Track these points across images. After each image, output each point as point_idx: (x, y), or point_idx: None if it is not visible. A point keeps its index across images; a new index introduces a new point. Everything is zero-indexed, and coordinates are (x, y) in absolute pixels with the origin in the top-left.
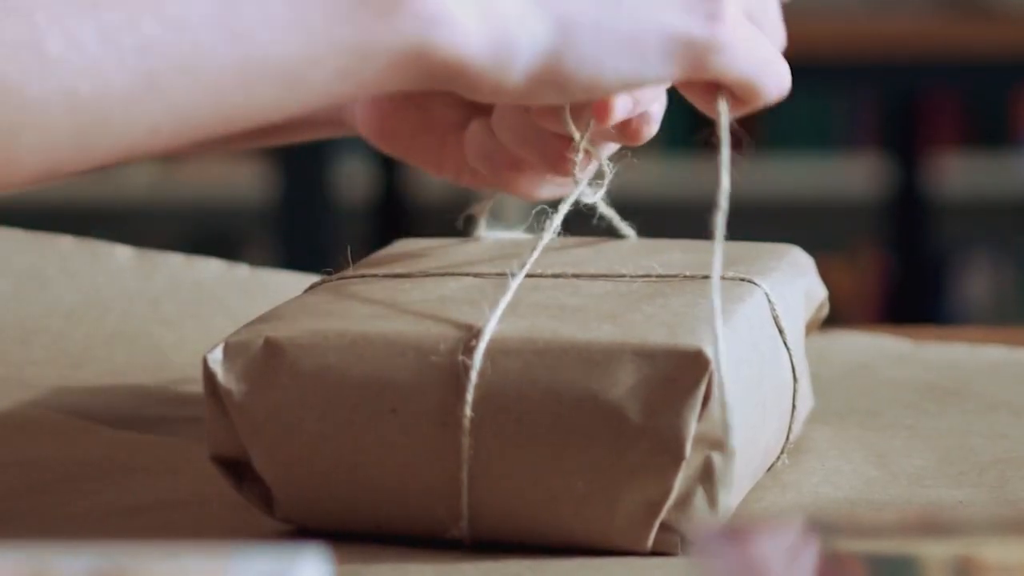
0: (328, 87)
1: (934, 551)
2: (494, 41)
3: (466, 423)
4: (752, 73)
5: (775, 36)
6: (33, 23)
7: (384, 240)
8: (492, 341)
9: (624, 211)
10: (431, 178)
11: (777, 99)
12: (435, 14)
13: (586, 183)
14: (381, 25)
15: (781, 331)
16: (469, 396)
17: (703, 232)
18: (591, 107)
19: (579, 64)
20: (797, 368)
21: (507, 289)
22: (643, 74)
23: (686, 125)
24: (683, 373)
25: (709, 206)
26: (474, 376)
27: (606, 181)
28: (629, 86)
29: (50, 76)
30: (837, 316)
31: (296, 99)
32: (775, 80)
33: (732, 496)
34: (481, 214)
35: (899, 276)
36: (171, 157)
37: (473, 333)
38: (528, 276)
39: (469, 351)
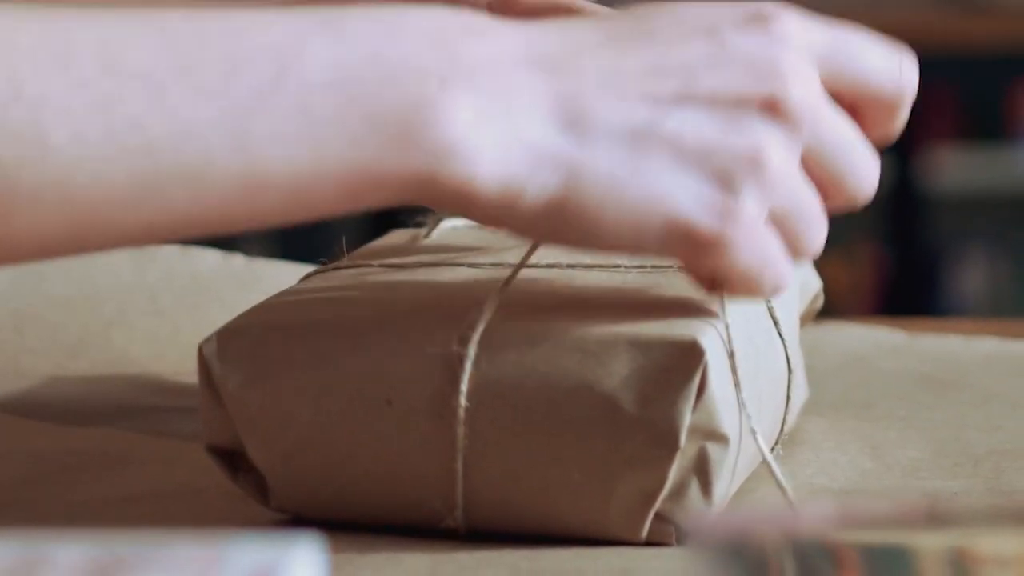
0: (333, 204)
1: (929, 542)
2: (505, 177)
3: (461, 413)
4: (750, 273)
5: (809, 237)
6: (40, 111)
7: (379, 231)
8: (487, 331)
9: None
10: None
11: (772, 296)
12: (450, 146)
13: None
14: (394, 153)
15: (776, 322)
16: (464, 386)
17: None
18: None
19: (579, 216)
20: (792, 359)
21: (502, 280)
22: (640, 245)
23: None
24: (678, 363)
25: None
26: (469, 366)
27: None
28: (625, 250)
29: (48, 166)
30: (833, 310)
31: (298, 213)
32: (772, 282)
33: (726, 486)
34: None
35: (895, 270)
36: None
37: (468, 323)
38: (523, 266)
39: (464, 341)
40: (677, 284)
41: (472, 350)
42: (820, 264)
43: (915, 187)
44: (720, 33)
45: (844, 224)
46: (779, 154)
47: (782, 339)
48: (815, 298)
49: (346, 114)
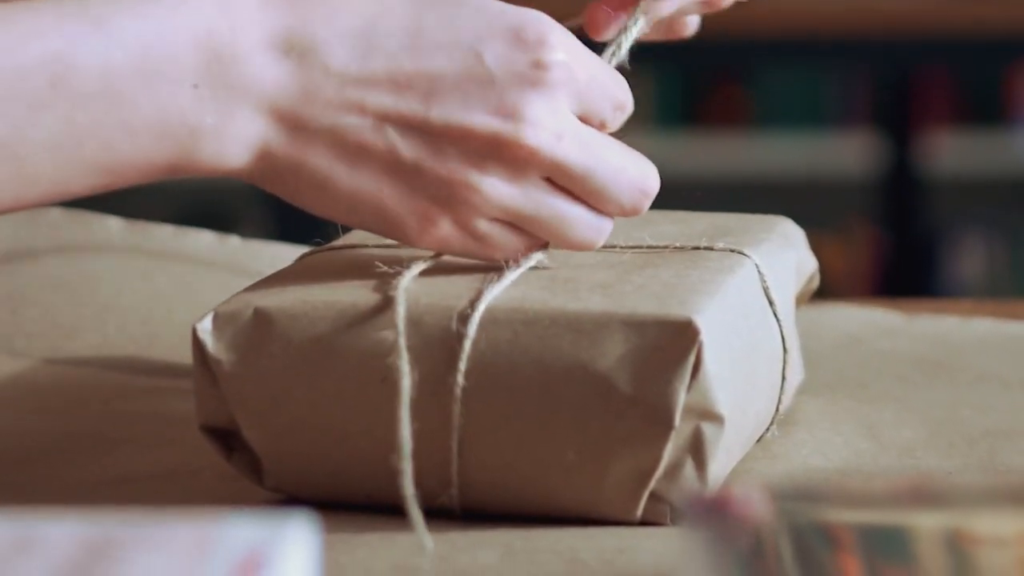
0: (92, 190)
1: (926, 522)
2: (244, 158)
3: (457, 392)
4: (475, 256)
5: (561, 236)
6: None
7: None
8: (482, 311)
9: None
10: None
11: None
12: (201, 137)
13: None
14: (150, 150)
15: (771, 302)
16: (462, 365)
17: (693, 205)
18: None
19: (307, 197)
20: (787, 339)
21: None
22: (366, 227)
23: (678, 100)
24: (672, 343)
25: (699, 180)
26: (467, 345)
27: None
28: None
29: None
30: (830, 294)
31: (57, 200)
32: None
33: (721, 466)
34: None
35: (892, 254)
36: None
37: (468, 302)
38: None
39: (464, 319)
40: (672, 264)
41: (472, 328)
42: (817, 245)
43: (912, 170)
44: (481, 60)
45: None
46: (488, 187)
47: (777, 319)
48: (811, 279)
49: (107, 122)
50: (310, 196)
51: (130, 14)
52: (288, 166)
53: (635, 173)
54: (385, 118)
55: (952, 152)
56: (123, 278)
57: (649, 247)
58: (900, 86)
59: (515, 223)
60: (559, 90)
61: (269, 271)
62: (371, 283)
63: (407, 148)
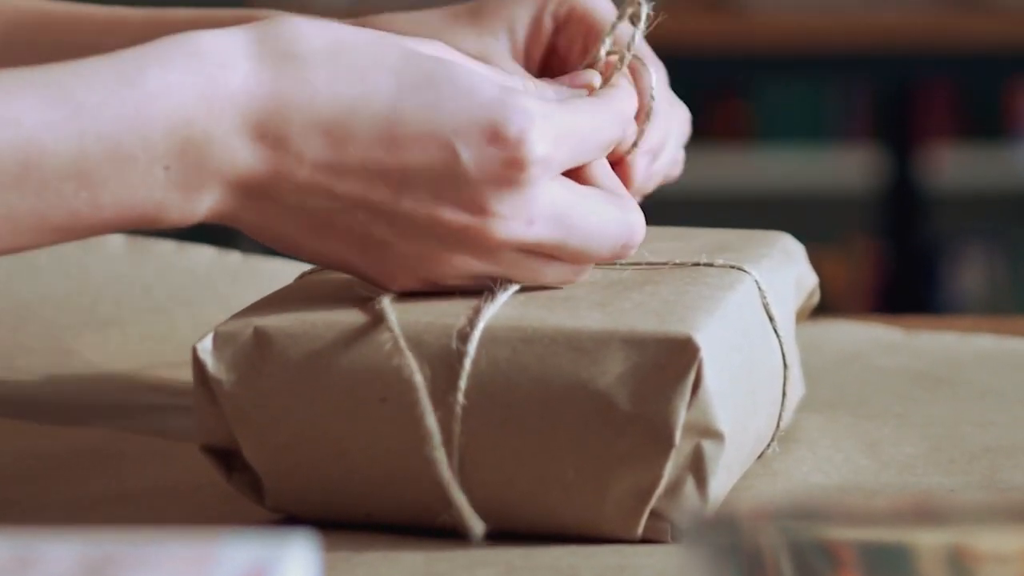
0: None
1: (927, 539)
2: (215, 217)
3: (457, 410)
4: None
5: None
6: None
7: None
8: (481, 329)
9: None
10: None
11: None
12: (158, 218)
13: None
14: (108, 226)
15: (771, 318)
16: (462, 383)
17: (693, 221)
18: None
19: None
20: (787, 355)
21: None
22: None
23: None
24: (672, 360)
25: (701, 194)
26: (468, 363)
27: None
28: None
29: None
30: (831, 308)
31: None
32: None
33: (722, 483)
34: None
35: (893, 268)
36: None
37: (467, 320)
38: None
39: (463, 338)
40: (672, 281)
41: (472, 347)
42: (817, 260)
43: (913, 185)
44: (456, 154)
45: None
46: (460, 263)
47: (778, 336)
48: (811, 294)
49: (75, 200)
50: (276, 246)
51: (109, 100)
52: (253, 228)
53: (615, 230)
54: (355, 205)
55: (953, 166)
56: (124, 293)
57: (648, 264)
58: (901, 100)
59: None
60: (536, 184)
61: (270, 288)
62: (370, 302)
63: (376, 230)
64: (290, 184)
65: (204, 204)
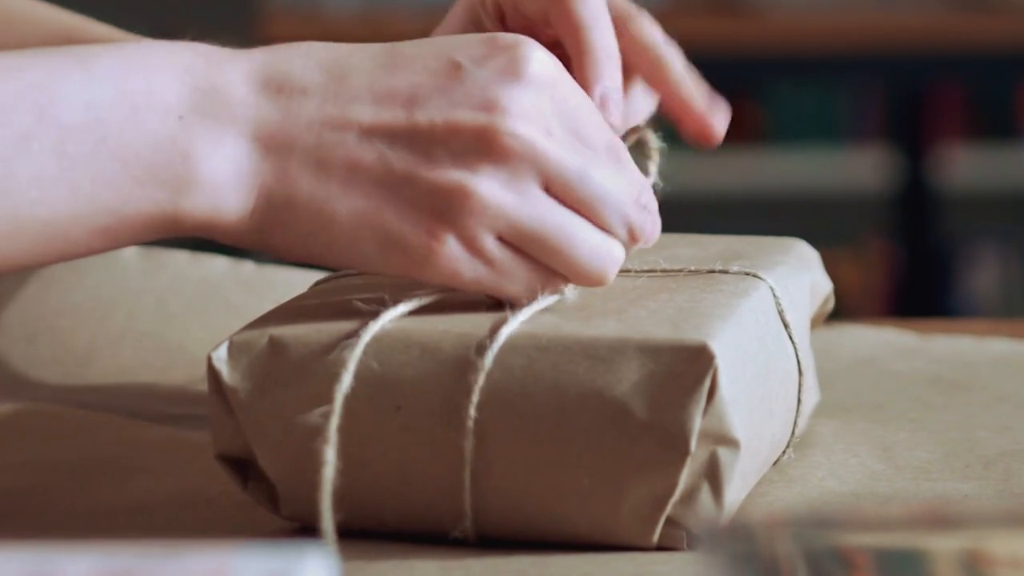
0: (87, 245)
1: (942, 545)
2: (238, 206)
3: (470, 422)
4: (477, 287)
5: (564, 257)
6: None
7: None
8: (502, 341)
9: None
10: None
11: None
12: (188, 181)
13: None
14: (140, 191)
15: (786, 325)
16: (475, 396)
17: (705, 223)
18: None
19: (300, 235)
20: (802, 362)
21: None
22: (363, 262)
23: None
24: (688, 368)
25: (713, 197)
26: (483, 375)
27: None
28: (353, 265)
29: None
30: (844, 309)
31: (55, 253)
32: (508, 295)
33: (737, 490)
34: None
35: (906, 269)
36: None
37: (488, 331)
38: None
39: (480, 349)
40: (687, 288)
41: (489, 358)
42: (831, 264)
43: (926, 186)
44: (457, 64)
45: (855, 221)
46: (485, 190)
47: (792, 342)
48: (826, 300)
49: (97, 153)
50: (310, 234)
51: (110, 55)
52: (282, 201)
53: (626, 187)
54: (370, 131)
55: (965, 167)
56: (138, 304)
57: (663, 271)
58: (913, 102)
59: (521, 244)
60: (542, 88)
61: (284, 297)
62: (384, 310)
63: (396, 158)
64: (303, 122)
65: (228, 158)
